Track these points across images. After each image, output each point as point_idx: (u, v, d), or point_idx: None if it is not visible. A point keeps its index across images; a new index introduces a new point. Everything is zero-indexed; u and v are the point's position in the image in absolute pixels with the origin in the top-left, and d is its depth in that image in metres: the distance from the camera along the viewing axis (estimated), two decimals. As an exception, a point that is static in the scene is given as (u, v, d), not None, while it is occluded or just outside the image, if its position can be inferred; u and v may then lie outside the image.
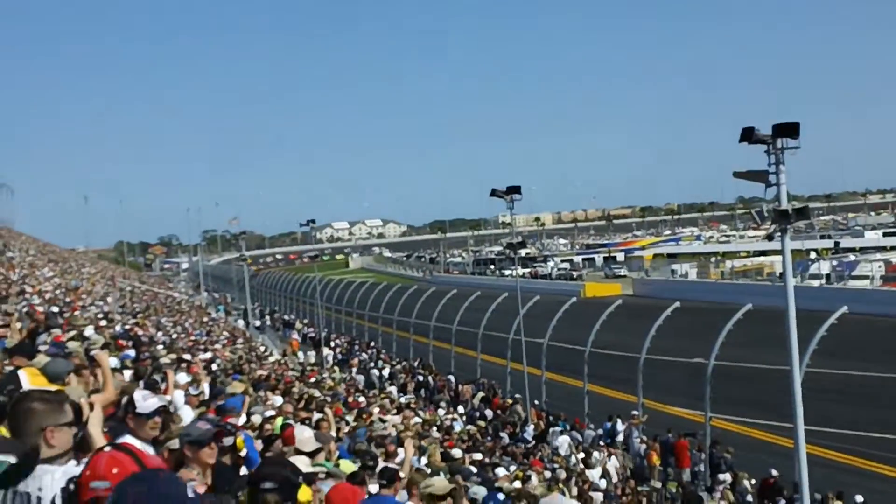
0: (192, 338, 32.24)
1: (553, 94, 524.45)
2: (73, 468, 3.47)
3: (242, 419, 10.01)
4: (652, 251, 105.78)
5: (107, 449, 3.43)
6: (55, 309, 19.94)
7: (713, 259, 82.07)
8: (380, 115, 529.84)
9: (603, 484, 18.56)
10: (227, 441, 5.87)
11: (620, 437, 23.47)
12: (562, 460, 20.28)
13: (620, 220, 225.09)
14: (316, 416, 13.05)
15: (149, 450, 4.85)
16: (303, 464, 6.37)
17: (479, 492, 8.43)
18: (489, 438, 22.90)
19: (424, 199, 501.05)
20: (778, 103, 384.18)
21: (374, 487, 7.72)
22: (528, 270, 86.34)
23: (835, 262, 64.13)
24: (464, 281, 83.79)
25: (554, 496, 12.56)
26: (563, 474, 17.26)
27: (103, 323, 19.67)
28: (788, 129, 14.34)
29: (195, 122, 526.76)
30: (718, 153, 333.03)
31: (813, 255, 71.58)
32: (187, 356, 17.29)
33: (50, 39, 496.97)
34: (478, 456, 16.28)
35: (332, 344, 46.66)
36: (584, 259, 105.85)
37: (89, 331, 13.91)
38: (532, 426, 24.91)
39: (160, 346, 19.29)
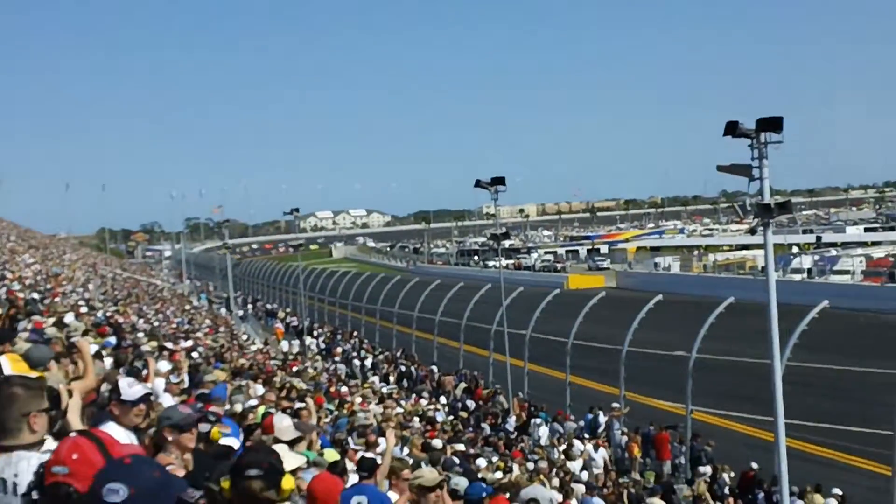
0: (174, 326, 32.16)
1: (538, 86, 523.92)
2: (46, 455, 3.44)
3: (226, 408, 9.96)
4: (635, 244, 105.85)
5: (72, 434, 3.39)
6: (36, 295, 19.77)
7: (696, 252, 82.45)
8: (365, 105, 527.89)
9: (585, 476, 18.61)
10: (203, 428, 5.86)
11: (602, 429, 23.56)
12: (543, 451, 20.33)
13: (604, 212, 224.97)
14: (297, 405, 13.01)
15: (131, 437, 4.82)
16: (282, 452, 6.33)
17: (461, 483, 8.40)
18: (471, 429, 22.94)
19: (409, 189, 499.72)
20: (762, 98, 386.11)
21: (354, 477, 7.73)
22: (511, 262, 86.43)
23: (816, 257, 64.52)
24: (447, 272, 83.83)
25: (535, 486, 12.59)
26: (544, 465, 17.30)
27: (84, 310, 19.56)
28: (772, 124, 14.39)
29: (180, 109, 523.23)
30: (702, 147, 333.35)
31: (795, 249, 71.90)
32: (169, 344, 17.22)
33: (32, 26, 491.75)
34: (460, 447, 16.28)
35: (315, 333, 46.60)
36: (567, 251, 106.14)
37: (70, 317, 13.80)
38: (514, 417, 24.95)
39: (141, 334, 19.19)
